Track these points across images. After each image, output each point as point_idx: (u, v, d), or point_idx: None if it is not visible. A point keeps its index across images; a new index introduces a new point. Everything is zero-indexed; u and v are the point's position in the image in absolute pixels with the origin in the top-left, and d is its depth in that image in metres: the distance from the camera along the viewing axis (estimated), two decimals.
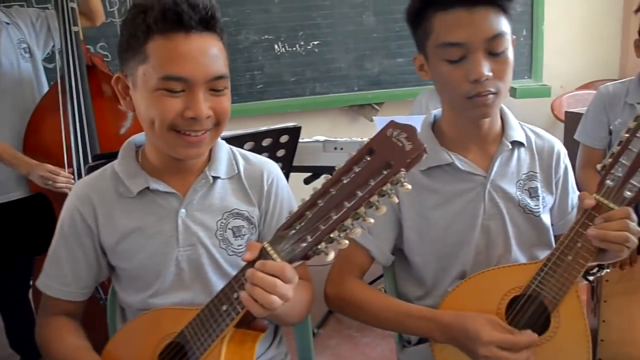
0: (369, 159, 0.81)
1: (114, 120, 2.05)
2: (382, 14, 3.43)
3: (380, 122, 2.22)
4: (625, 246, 0.95)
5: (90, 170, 1.18)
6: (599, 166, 1.00)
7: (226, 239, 1.08)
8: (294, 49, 3.41)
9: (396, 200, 0.81)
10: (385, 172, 0.79)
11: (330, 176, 0.83)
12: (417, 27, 1.09)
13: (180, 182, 1.07)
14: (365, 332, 2.48)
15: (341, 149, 2.21)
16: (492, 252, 1.14)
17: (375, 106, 3.56)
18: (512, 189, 1.14)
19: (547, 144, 1.18)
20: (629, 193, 0.96)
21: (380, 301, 1.15)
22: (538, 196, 1.15)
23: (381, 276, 1.31)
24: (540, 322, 1.01)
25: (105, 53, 3.11)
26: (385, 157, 0.80)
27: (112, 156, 1.13)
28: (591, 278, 1.14)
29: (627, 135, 0.97)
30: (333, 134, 2.97)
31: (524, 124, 1.21)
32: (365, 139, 0.85)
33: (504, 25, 1.03)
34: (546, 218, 1.17)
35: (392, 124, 0.82)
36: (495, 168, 1.13)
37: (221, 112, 0.99)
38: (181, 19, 0.92)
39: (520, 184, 1.14)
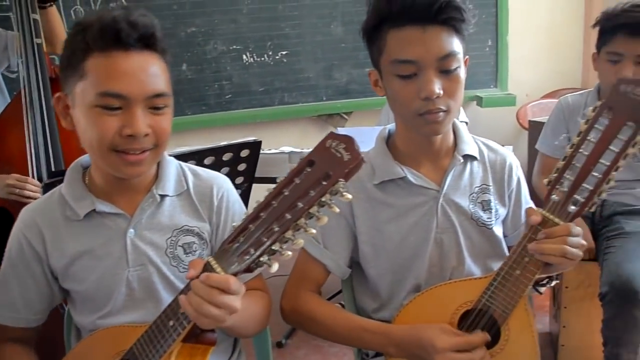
0: (309, 170, 0.82)
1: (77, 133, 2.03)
2: (350, 24, 3.46)
3: (343, 132, 2.24)
4: (566, 258, 0.97)
5: (47, 187, 1.16)
6: (545, 181, 1.02)
7: (177, 257, 1.07)
8: (263, 59, 3.42)
9: (337, 210, 0.82)
10: (324, 183, 0.80)
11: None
12: (372, 44, 1.11)
13: (127, 202, 1.06)
14: (333, 342, 2.48)
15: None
16: (445, 264, 1.15)
17: (344, 115, 3.59)
18: (464, 202, 1.15)
19: (499, 157, 1.21)
20: (573, 207, 0.98)
21: (336, 316, 1.16)
22: (491, 209, 1.17)
23: (341, 291, 1.31)
24: (491, 335, 1.02)
25: None
26: (325, 168, 0.81)
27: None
28: (542, 289, 1.16)
29: (570, 150, 0.99)
30: (302, 144, 2.98)
31: (477, 138, 1.23)
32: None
33: (455, 45, 1.05)
34: (499, 230, 1.19)
35: (331, 135, 0.83)
36: (447, 182, 1.14)
37: (160, 131, 0.98)
38: (120, 37, 0.92)
39: (473, 197, 1.16)
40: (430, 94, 1.02)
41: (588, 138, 0.99)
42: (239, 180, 1.57)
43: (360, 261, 1.21)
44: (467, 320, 1.04)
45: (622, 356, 1.73)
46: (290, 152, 2.27)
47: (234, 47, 3.37)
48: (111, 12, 0.94)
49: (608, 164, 0.97)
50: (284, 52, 3.43)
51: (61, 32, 2.21)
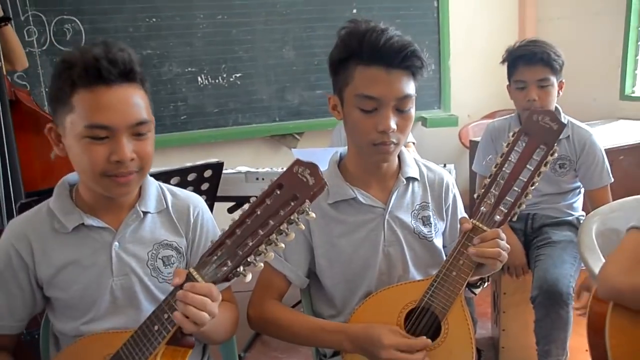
0: (278, 192, 0.96)
1: (39, 155, 2.08)
2: (301, 48, 3.62)
3: (297, 153, 2.37)
4: (498, 260, 1.13)
5: (22, 207, 1.24)
6: (475, 195, 1.19)
7: (157, 268, 1.18)
8: (217, 81, 3.52)
9: (302, 227, 0.96)
10: (292, 204, 0.94)
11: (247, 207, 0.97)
12: (337, 73, 1.23)
13: (112, 218, 1.16)
14: (291, 353, 2.59)
15: (262, 179, 2.33)
16: (392, 273, 1.30)
17: (296, 136, 3.72)
18: (407, 218, 1.31)
19: (437, 176, 1.37)
20: (498, 217, 1.15)
21: (297, 319, 1.28)
22: (430, 223, 1.33)
23: (300, 301, 1.44)
24: (433, 329, 1.18)
25: (24, 83, 3.09)
26: (292, 190, 0.95)
27: (43, 193, 1.20)
28: (476, 290, 1.32)
29: (495, 169, 1.17)
30: (256, 163, 3.10)
31: (419, 160, 1.39)
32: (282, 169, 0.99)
33: (412, 88, 1.19)
34: (438, 242, 1.34)
35: (297, 162, 0.98)
36: (392, 201, 1.30)
37: (144, 155, 1.08)
38: (102, 74, 1.02)
39: (414, 213, 1.32)
40: (386, 128, 1.16)
41: (509, 159, 1.16)
42: (202, 198, 1.67)
43: (317, 272, 1.34)
44: (412, 317, 1.18)
45: (552, 352, 1.92)
46: (247, 172, 2.37)
47: (189, 69, 3.45)
48: (92, 50, 1.04)
49: (526, 180, 1.15)
50: (238, 75, 3.54)
51: (19, 49, 2.24)
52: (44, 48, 3.13)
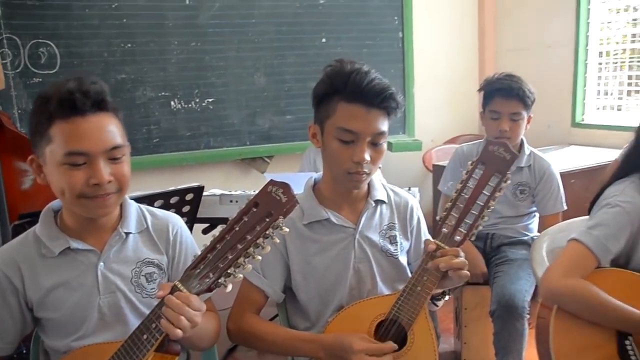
0: (254, 210, 1.07)
1: (17, 178, 2.14)
2: (272, 75, 3.75)
3: (270, 177, 2.46)
4: (460, 272, 1.24)
5: (16, 228, 1.31)
6: (437, 217, 1.32)
7: (140, 285, 1.27)
8: (190, 105, 3.60)
9: (277, 241, 1.07)
10: (267, 220, 1.06)
11: (225, 225, 1.08)
12: (320, 105, 1.35)
13: (96, 240, 1.25)
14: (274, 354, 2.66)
15: (236, 201, 2.42)
16: (362, 288, 1.42)
17: (266, 159, 3.83)
18: (376, 237, 1.43)
19: (403, 200, 1.50)
20: (458, 237, 1.28)
21: (275, 331, 1.39)
22: (397, 242, 1.46)
23: (277, 315, 1.53)
24: (400, 339, 1.29)
25: None
26: (267, 208, 1.07)
27: (36, 215, 1.28)
28: (438, 303, 1.44)
29: (455, 194, 1.30)
30: (227, 186, 3.19)
31: (386, 185, 1.52)
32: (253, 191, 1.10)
33: (386, 125, 1.33)
34: (404, 259, 1.47)
35: (271, 182, 1.09)
36: (362, 222, 1.42)
37: (120, 177, 1.17)
38: (76, 106, 1.11)
39: (382, 233, 1.45)
40: (361, 160, 1.29)
41: (468, 185, 1.30)
42: (183, 220, 1.77)
43: (292, 287, 1.45)
44: (382, 328, 1.30)
45: None
46: (221, 195, 2.46)
47: (163, 93, 3.53)
48: (66, 85, 1.13)
49: (482, 204, 1.28)
50: (210, 100, 3.64)
51: None
52: (18, 71, 3.16)
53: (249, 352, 2.73)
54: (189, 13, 3.51)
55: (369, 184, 1.46)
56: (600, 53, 3.85)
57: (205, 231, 2.45)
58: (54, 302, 1.22)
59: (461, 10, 4.49)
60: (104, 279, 1.23)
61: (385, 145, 1.35)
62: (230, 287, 1.09)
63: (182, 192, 1.72)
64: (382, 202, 1.46)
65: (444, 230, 1.29)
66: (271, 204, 1.07)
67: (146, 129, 3.53)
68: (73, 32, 3.26)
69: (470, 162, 1.32)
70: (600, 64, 3.91)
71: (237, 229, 1.08)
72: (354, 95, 1.27)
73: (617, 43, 3.74)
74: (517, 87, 2.16)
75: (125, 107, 3.44)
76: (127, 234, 1.27)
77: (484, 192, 1.29)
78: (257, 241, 1.06)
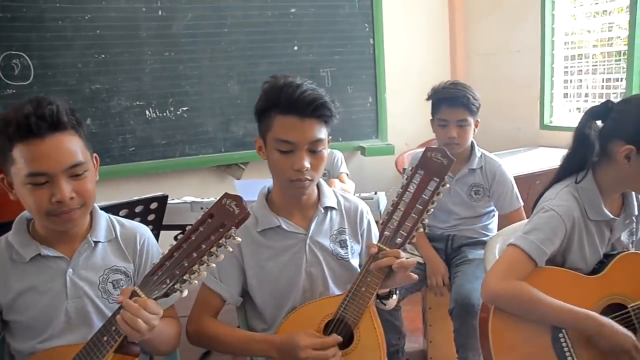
0: (210, 221, 1.15)
1: None
2: (245, 82, 3.81)
3: (240, 185, 2.54)
4: (399, 273, 1.32)
5: None
6: (379, 221, 1.39)
7: (107, 291, 1.34)
8: (164, 114, 3.66)
9: (231, 249, 1.15)
10: (221, 230, 1.14)
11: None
12: (261, 120, 1.43)
13: (67, 247, 1.32)
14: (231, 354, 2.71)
15: (207, 208, 2.48)
16: (315, 290, 1.49)
17: (242, 165, 3.89)
18: (326, 242, 1.51)
19: (352, 205, 1.58)
20: (399, 239, 1.36)
21: (231, 333, 1.45)
22: (347, 246, 1.53)
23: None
24: (347, 337, 1.36)
25: None
26: (221, 219, 1.15)
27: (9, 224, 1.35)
28: (385, 302, 1.50)
29: (396, 198, 1.38)
30: (203, 192, 3.25)
31: (337, 192, 1.60)
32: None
33: (323, 133, 1.40)
34: (355, 262, 1.54)
35: (226, 195, 1.17)
36: (312, 227, 1.49)
37: (83, 192, 1.24)
38: (31, 129, 1.17)
39: (332, 237, 1.52)
40: (301, 167, 1.36)
41: (408, 190, 1.38)
42: (149, 228, 1.83)
43: (249, 291, 1.52)
44: (329, 327, 1.37)
45: (469, 358, 2.14)
46: (192, 202, 2.52)
47: (137, 103, 3.59)
48: (23, 109, 1.18)
49: (422, 207, 1.36)
50: (184, 108, 3.71)
51: None
52: None
53: (224, 356, 2.79)
54: (162, 23, 3.58)
55: (319, 192, 1.53)
56: (573, 57, 3.94)
57: (177, 238, 2.51)
58: (23, 305, 1.28)
59: (432, 16, 4.58)
60: (72, 285, 1.31)
61: (325, 152, 1.42)
62: (186, 292, 1.17)
63: (146, 201, 1.78)
64: (332, 208, 1.54)
65: (386, 233, 1.37)
66: (225, 216, 1.16)
67: (122, 137, 3.59)
68: (46, 44, 3.31)
69: (410, 168, 1.40)
70: (566, 67, 4.00)
71: (193, 238, 1.16)
72: (288, 107, 1.35)
73: (595, 46, 3.83)
74: (461, 95, 2.23)
75: (100, 117, 3.53)
76: (96, 242, 1.35)
77: (423, 195, 1.36)
78: (211, 250, 1.15)
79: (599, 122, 1.54)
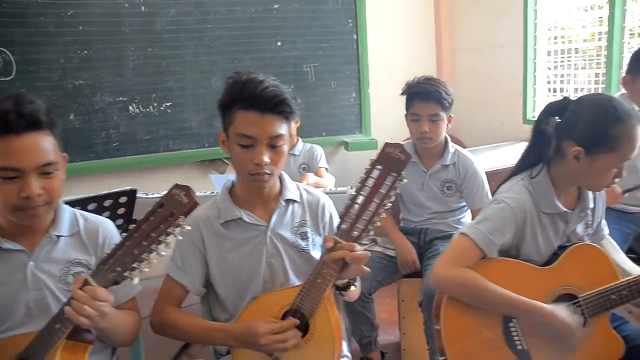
0: (160, 210, 1.20)
1: None
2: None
3: (215, 179, 2.57)
4: (354, 265, 1.35)
5: None
6: (339, 215, 1.43)
7: (68, 283, 1.37)
8: (148, 109, 3.68)
9: (180, 237, 1.20)
10: (170, 219, 1.18)
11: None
12: (224, 115, 1.47)
13: (29, 241, 1.36)
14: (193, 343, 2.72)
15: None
16: (275, 281, 1.53)
17: (225, 160, 3.91)
18: (287, 234, 1.54)
19: (315, 198, 1.61)
20: (355, 233, 1.39)
21: (192, 322, 1.49)
22: (308, 238, 1.56)
23: None
24: (303, 327, 1.40)
25: None
26: (171, 208, 1.20)
27: None
28: (345, 293, 1.54)
29: (354, 193, 1.41)
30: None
31: (300, 185, 1.63)
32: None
33: (284, 128, 1.43)
34: (316, 254, 1.57)
35: (176, 186, 1.22)
36: (273, 220, 1.53)
37: (51, 190, 1.28)
38: (10, 125, 1.21)
39: (294, 229, 1.55)
40: (260, 162, 1.40)
41: (366, 184, 1.41)
42: (119, 222, 1.86)
43: (212, 282, 1.55)
44: (286, 318, 1.40)
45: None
46: None
47: (121, 98, 3.61)
48: (3, 104, 1.23)
49: (379, 202, 1.38)
50: (168, 104, 3.72)
51: None
52: None
53: (204, 347, 2.83)
54: (145, 19, 3.59)
55: (281, 185, 1.57)
56: (563, 51, 3.95)
57: (128, 229, 2.54)
58: None
59: (417, 11, 4.60)
60: (32, 277, 1.34)
61: (285, 147, 1.46)
62: (137, 280, 1.21)
63: (115, 195, 1.81)
64: (294, 201, 1.57)
65: (343, 226, 1.40)
66: (174, 205, 1.20)
67: (105, 133, 3.61)
68: (29, 39, 3.32)
69: (370, 162, 1.43)
70: (555, 62, 4.02)
71: (144, 227, 1.21)
72: (249, 102, 1.39)
73: (585, 41, 3.85)
74: (434, 90, 2.27)
75: (83, 112, 3.55)
76: (59, 236, 1.39)
77: (381, 190, 1.39)
78: (160, 238, 1.19)
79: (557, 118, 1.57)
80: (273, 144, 1.42)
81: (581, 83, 3.89)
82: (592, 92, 3.68)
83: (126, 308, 1.44)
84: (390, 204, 1.41)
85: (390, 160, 1.41)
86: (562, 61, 3.97)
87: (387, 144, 1.43)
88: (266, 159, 1.40)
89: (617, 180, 1.50)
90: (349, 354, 1.64)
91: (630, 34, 3.35)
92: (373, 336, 2.43)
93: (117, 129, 3.63)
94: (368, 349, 2.44)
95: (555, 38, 3.99)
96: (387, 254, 2.43)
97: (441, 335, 1.45)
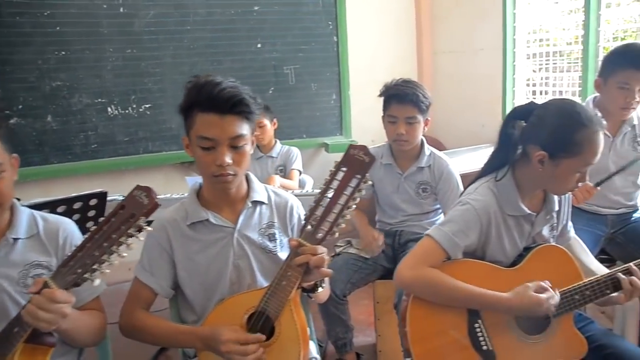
0: (121, 212, 1.20)
1: None
2: None
3: (190, 180, 2.56)
4: (316, 268, 1.35)
5: None
6: (303, 216, 1.43)
7: (28, 286, 1.36)
8: (127, 111, 3.67)
9: (142, 239, 1.19)
10: (130, 220, 1.18)
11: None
12: (186, 118, 1.47)
13: None
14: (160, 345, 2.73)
15: (160, 204, 2.51)
16: (242, 282, 1.53)
17: None
18: (255, 235, 1.54)
19: (283, 200, 1.61)
20: (320, 234, 1.39)
21: (159, 325, 1.48)
22: (276, 239, 1.57)
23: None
24: (268, 329, 1.39)
25: None
26: (131, 210, 1.19)
27: None
28: (313, 295, 1.54)
29: (319, 195, 1.42)
30: (167, 189, 3.29)
31: (268, 187, 1.63)
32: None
33: (245, 129, 1.43)
34: (283, 255, 1.56)
35: (137, 187, 1.22)
36: (240, 221, 1.53)
37: None
38: None
39: (261, 231, 1.56)
40: (222, 163, 1.41)
41: (330, 186, 1.41)
42: (90, 224, 1.85)
43: (179, 284, 1.55)
44: (252, 320, 1.40)
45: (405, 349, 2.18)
46: None
47: (99, 100, 3.60)
48: None
49: (343, 204, 1.39)
50: (147, 105, 3.71)
51: None
52: None
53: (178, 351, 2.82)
54: (123, 20, 3.58)
55: (248, 186, 1.57)
56: (547, 53, 3.98)
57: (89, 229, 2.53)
58: None
59: (398, 13, 4.62)
60: None
61: (247, 147, 1.46)
62: (97, 282, 1.21)
63: (85, 198, 1.80)
64: (261, 202, 1.57)
65: (308, 227, 1.40)
66: (135, 207, 1.20)
67: (83, 135, 3.59)
68: (4, 40, 3.30)
69: (335, 165, 1.43)
70: (541, 64, 4.05)
71: (105, 229, 1.20)
72: (208, 104, 1.39)
73: (569, 44, 3.87)
74: (411, 93, 2.28)
75: (61, 114, 3.52)
76: (16, 239, 1.37)
77: (344, 192, 1.40)
78: (120, 239, 1.19)
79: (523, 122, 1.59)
80: (234, 145, 1.42)
81: (565, 86, 3.92)
82: (574, 94, 3.73)
83: (90, 308, 1.43)
84: (355, 206, 1.42)
85: (355, 162, 1.41)
86: (546, 64, 4.00)
87: (351, 146, 1.44)
88: (228, 159, 1.41)
89: (580, 184, 1.52)
90: (317, 356, 1.65)
91: (614, 38, 3.39)
92: (348, 338, 2.43)
93: (95, 130, 3.61)
94: (343, 350, 2.45)
95: (540, 40, 4.02)
96: (361, 255, 2.44)
97: (407, 336, 1.46)
